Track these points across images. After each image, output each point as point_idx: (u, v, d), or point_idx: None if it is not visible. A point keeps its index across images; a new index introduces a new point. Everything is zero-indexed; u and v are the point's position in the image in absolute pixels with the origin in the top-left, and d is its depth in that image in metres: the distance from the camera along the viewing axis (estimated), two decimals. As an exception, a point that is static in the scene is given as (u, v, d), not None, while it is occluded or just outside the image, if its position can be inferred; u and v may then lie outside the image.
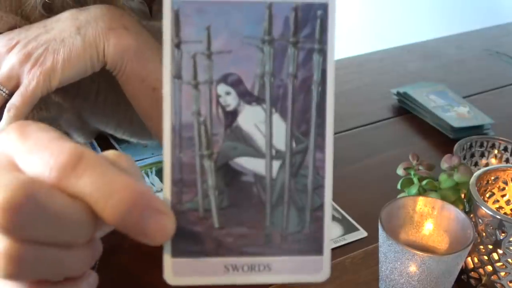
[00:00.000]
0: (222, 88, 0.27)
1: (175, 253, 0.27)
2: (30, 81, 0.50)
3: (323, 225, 0.28)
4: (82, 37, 0.51)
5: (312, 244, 0.28)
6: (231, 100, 0.27)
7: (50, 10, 0.56)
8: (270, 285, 0.55)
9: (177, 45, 0.27)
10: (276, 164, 0.28)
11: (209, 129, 0.27)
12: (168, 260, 0.27)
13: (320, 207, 0.28)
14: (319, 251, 0.28)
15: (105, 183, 0.24)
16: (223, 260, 0.27)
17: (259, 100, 0.27)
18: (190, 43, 0.27)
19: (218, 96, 0.27)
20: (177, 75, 0.27)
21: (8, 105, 0.50)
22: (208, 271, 0.27)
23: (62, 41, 0.51)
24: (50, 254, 0.24)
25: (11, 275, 0.24)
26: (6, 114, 0.50)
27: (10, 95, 0.51)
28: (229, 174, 0.27)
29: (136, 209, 0.24)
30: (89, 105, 0.67)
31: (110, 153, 0.27)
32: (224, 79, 0.27)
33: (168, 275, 0.27)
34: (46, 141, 0.25)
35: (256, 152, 0.27)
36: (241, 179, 0.27)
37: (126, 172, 0.26)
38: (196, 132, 0.27)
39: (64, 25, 0.52)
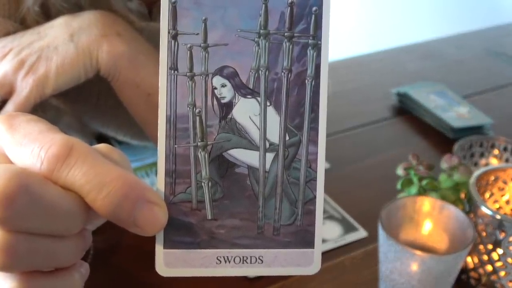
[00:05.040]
0: (217, 80, 0.27)
1: (167, 244, 0.27)
2: (23, 89, 0.50)
3: (315, 219, 0.28)
4: (75, 44, 0.51)
5: (303, 237, 0.28)
6: (226, 92, 0.28)
7: (46, 15, 0.56)
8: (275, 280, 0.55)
9: (174, 37, 0.27)
10: (269, 156, 0.28)
11: (204, 120, 0.27)
12: (160, 251, 0.27)
13: (312, 200, 0.28)
14: (310, 244, 0.28)
15: (96, 174, 0.24)
16: (215, 252, 0.27)
17: (254, 93, 0.28)
18: (187, 35, 0.27)
19: (213, 88, 0.27)
20: (173, 67, 0.27)
21: (1, 113, 0.50)
22: (200, 262, 0.27)
23: (56, 49, 0.51)
24: (43, 244, 0.24)
25: (4, 267, 0.24)
26: None
27: (3, 102, 0.51)
28: (223, 166, 0.28)
29: (128, 200, 0.24)
30: (90, 109, 0.67)
31: (101, 146, 0.27)
32: (220, 71, 0.27)
33: (160, 267, 0.27)
34: (36, 133, 0.25)
35: (250, 144, 0.28)
36: (234, 170, 0.28)
37: (117, 164, 0.26)
38: (191, 123, 0.27)
39: (57, 31, 0.52)
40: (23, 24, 0.56)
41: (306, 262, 0.28)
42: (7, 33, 0.54)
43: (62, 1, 0.55)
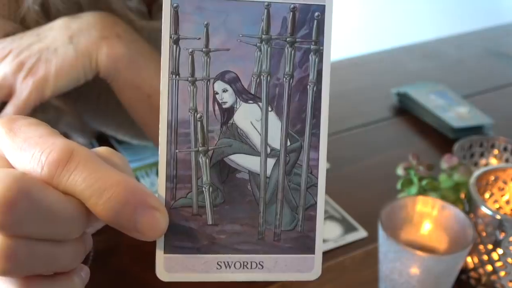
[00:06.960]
0: (219, 85, 0.27)
1: (168, 249, 0.27)
2: (22, 91, 0.50)
3: (315, 224, 0.28)
4: (74, 47, 0.51)
5: (304, 243, 0.28)
6: (227, 97, 0.27)
7: (46, 15, 0.56)
8: (270, 283, 0.55)
9: (176, 41, 0.27)
10: (270, 162, 0.28)
11: (205, 125, 0.27)
12: (160, 256, 0.27)
13: (313, 206, 0.28)
14: (311, 250, 0.28)
15: (97, 179, 0.24)
16: (216, 257, 0.27)
17: (255, 98, 0.28)
18: (189, 40, 0.27)
19: (215, 93, 0.27)
20: (174, 71, 0.27)
21: (1, 116, 0.50)
22: (201, 267, 0.27)
23: (55, 51, 0.51)
24: (43, 249, 0.24)
25: (4, 271, 0.24)
26: None
27: (3, 104, 0.51)
28: (224, 171, 0.28)
29: (129, 205, 0.24)
30: (90, 108, 0.68)
31: (102, 149, 0.27)
32: (222, 76, 0.27)
33: (161, 271, 0.27)
34: (36, 137, 0.25)
35: (251, 150, 0.28)
36: (235, 176, 0.28)
37: (118, 168, 0.26)
38: (192, 128, 0.27)
39: (56, 33, 0.52)
40: (23, 24, 0.56)
41: (307, 268, 0.28)
42: (7, 34, 0.54)
43: (61, 0, 0.55)
